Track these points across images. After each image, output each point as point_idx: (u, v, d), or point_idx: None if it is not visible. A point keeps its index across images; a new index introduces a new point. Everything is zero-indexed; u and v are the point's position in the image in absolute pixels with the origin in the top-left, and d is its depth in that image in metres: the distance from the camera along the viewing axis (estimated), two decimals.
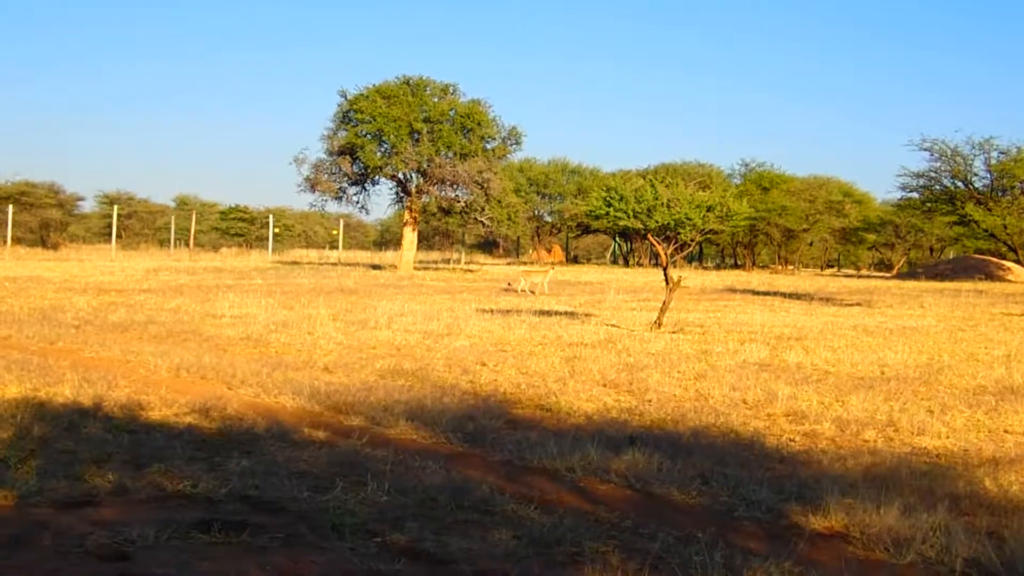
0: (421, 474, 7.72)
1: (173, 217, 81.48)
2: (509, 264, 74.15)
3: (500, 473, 7.95)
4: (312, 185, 53.99)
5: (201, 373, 12.71)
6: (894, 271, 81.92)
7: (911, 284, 51.25)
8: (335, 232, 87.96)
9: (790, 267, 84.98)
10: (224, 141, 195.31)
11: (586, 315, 24.11)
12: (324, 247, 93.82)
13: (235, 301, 24.75)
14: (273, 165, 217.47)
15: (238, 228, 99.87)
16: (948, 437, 9.88)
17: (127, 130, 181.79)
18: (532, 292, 34.80)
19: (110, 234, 71.82)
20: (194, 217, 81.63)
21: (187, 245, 76.63)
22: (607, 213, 21.45)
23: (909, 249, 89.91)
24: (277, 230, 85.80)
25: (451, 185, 53.73)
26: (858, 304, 32.77)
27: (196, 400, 10.38)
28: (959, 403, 11.71)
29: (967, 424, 10.55)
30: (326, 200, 55.00)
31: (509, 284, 37.46)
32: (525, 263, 76.16)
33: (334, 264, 60.33)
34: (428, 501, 7.00)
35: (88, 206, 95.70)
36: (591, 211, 23.03)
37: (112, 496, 6.95)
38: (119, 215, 77.19)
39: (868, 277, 69.13)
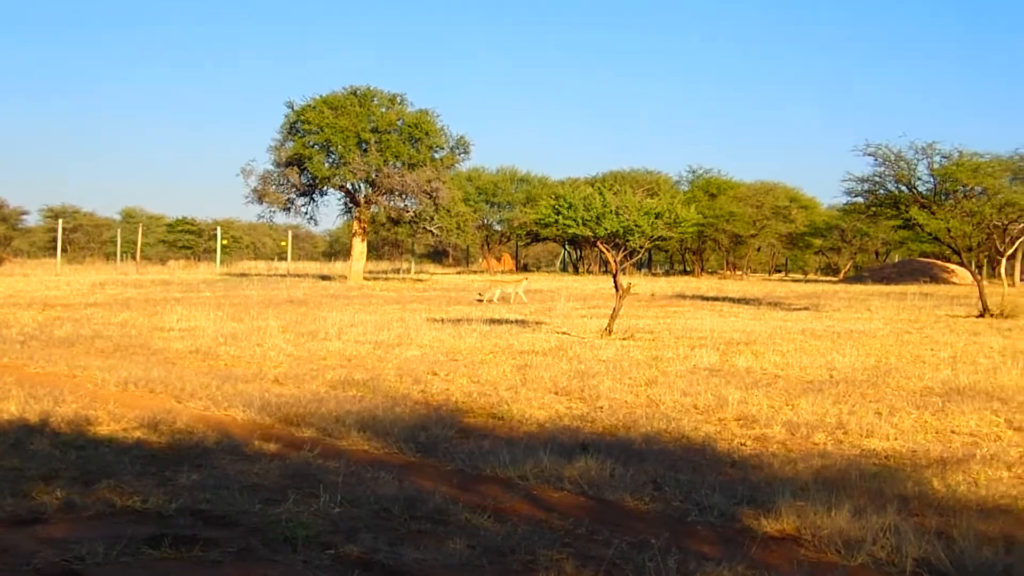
0: (374, 485, 7.67)
1: (119, 230, 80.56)
2: (459, 273, 74.06)
3: (453, 482, 7.92)
4: (260, 196, 53.83)
5: (150, 387, 12.59)
6: (841, 275, 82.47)
7: (858, 288, 51.86)
8: (284, 243, 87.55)
9: (739, 272, 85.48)
10: (170, 153, 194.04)
11: (537, 323, 24.12)
12: (273, 259, 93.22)
13: (183, 314, 24.56)
14: (220, 177, 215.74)
15: (185, 241, 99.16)
16: (896, 439, 9.91)
17: (71, 143, 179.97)
18: (506, 302, 34.68)
19: (55, 248, 71.02)
20: (140, 230, 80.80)
21: (134, 258, 75.76)
22: (556, 221, 21.38)
23: (855, 253, 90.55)
24: (225, 242, 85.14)
25: (400, 195, 53.67)
26: (806, 308, 33.11)
27: (145, 414, 10.26)
28: (907, 405, 11.79)
29: (915, 425, 10.60)
30: (274, 211, 54.94)
31: (480, 295, 37.11)
32: (476, 272, 76.31)
33: (283, 275, 59.99)
34: (381, 512, 6.95)
35: (32, 220, 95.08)
36: (540, 219, 22.99)
37: (61, 513, 6.85)
38: (64, 229, 76.46)
39: (815, 281, 69.77)
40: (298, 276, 58.88)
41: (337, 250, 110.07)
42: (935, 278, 61.51)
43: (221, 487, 7.52)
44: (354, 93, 54.23)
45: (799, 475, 8.30)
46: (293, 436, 9.65)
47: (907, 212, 65.78)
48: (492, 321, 24.12)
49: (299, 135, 53.36)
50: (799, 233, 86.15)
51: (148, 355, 16.45)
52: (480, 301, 35.48)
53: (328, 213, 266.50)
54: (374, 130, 52.98)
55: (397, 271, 73.58)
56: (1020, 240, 32.52)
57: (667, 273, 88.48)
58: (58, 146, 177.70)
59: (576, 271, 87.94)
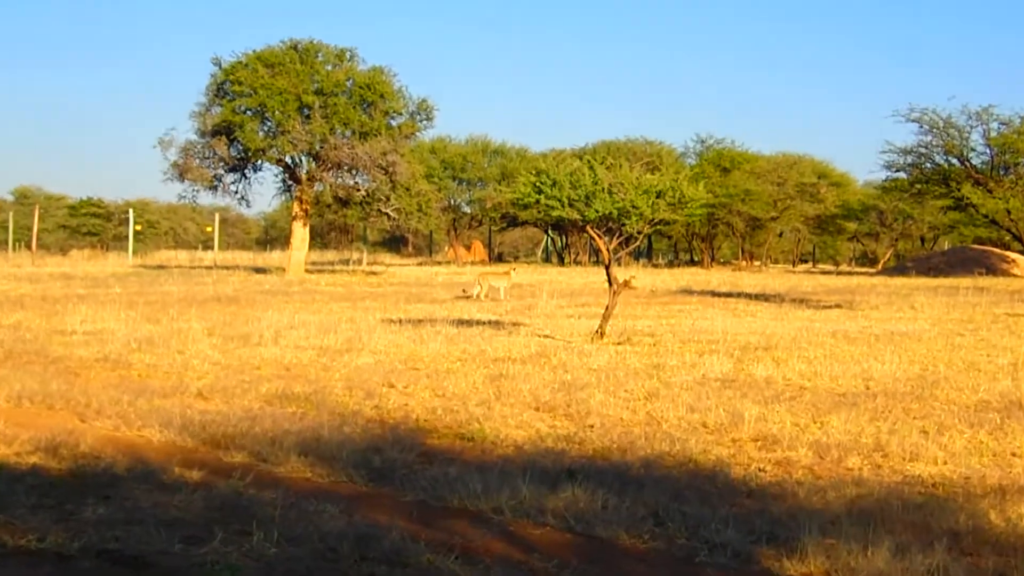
0: (318, 520, 7.68)
1: (11, 213, 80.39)
2: (421, 265, 74.24)
3: (413, 516, 7.94)
4: (181, 173, 53.46)
5: (48, 402, 12.56)
6: (879, 266, 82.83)
7: (899, 281, 51.95)
8: (209, 229, 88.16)
9: (756, 263, 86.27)
10: (73, 122, 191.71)
11: (514, 324, 24.29)
12: (197, 247, 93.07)
13: (89, 314, 24.46)
14: (133, 150, 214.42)
15: (91, 226, 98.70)
16: (946, 463, 9.92)
17: None
18: (494, 299, 34.75)
19: None
20: (37, 213, 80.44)
21: (28, 247, 75.48)
22: (537, 201, 21.24)
23: (896, 239, 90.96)
24: (139, 227, 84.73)
25: (349, 170, 53.51)
26: (837, 306, 33.17)
27: (42, 435, 10.22)
28: (958, 422, 11.76)
29: (968, 447, 10.59)
30: (198, 190, 54.71)
31: (464, 291, 37.07)
32: (441, 263, 76.34)
33: (209, 268, 59.71)
34: (327, 552, 6.95)
35: None
36: (518, 199, 22.90)
37: None
38: None
39: (849, 273, 69.92)
40: (227, 268, 58.49)
41: (274, 237, 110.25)
42: (992, 269, 61.62)
43: (133, 522, 7.45)
44: (294, 48, 54.00)
45: (829, 507, 8.31)
46: (221, 461, 9.66)
47: (959, 190, 65.91)
48: (460, 322, 24.21)
49: (228, 98, 53.09)
50: (829, 216, 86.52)
51: (46, 364, 16.37)
52: (468, 297, 35.74)
53: (263, 193, 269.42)
54: (318, 92, 52.76)
55: (346, 262, 73.13)
56: None
57: (671, 264, 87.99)
58: None
59: (561, 262, 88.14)
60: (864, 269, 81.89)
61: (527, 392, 13.66)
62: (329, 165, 53.29)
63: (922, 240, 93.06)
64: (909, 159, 69.05)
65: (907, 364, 16.97)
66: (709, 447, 10.50)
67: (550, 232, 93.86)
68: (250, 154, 53.43)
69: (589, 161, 21.87)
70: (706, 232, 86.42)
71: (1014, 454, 10.41)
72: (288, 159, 54.37)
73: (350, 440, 10.42)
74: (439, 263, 79.24)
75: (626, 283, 22.07)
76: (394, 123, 54.73)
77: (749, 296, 38.51)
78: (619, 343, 20.22)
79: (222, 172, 54.38)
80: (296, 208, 55.23)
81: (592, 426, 11.54)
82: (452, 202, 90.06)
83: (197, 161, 53.56)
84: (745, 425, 11.40)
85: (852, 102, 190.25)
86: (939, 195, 70.83)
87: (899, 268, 70.44)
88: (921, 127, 66.18)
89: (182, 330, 21.29)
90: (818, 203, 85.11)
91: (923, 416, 12.24)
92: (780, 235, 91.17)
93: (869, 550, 6.90)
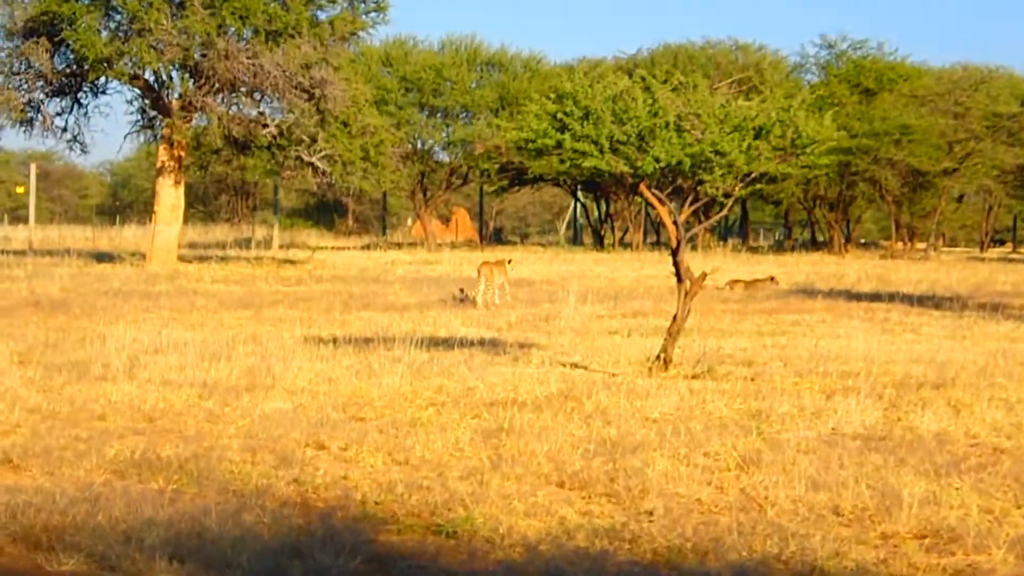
0: None
1: None
2: (367, 248, 58.76)
3: None
4: None
5: None
6: None
7: None
8: (21, 191, 68.64)
9: (920, 246, 64.95)
10: None
11: (523, 345, 20.01)
12: (0, 220, 68.58)
13: None
14: None
15: None
16: None
17: None
18: (495, 303, 28.17)
19: None
20: None
21: None
22: (559, 144, 16.84)
23: None
24: None
25: (249, 94, 39.73)
26: None
27: None
28: None
29: None
30: (1, 126, 40.65)
31: (463, 292, 29.63)
32: (399, 245, 61.96)
33: (20, 253, 44.44)
34: None
35: None
36: (528, 141, 17.66)
37: None
38: None
39: None
40: (51, 254, 44.08)
41: (127, 203, 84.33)
42: None
43: None
44: None
45: None
46: (40, 571, 8.01)
47: None
48: (434, 342, 19.69)
49: None
50: None
51: None
52: (463, 299, 28.69)
53: (109, 131, 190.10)
54: None
55: (246, 244, 55.07)
56: None
57: (777, 247, 69.20)
58: None
59: (600, 243, 66.95)
60: None
61: (544, 457, 10.93)
62: (217, 85, 38.86)
63: None
64: None
65: None
66: (844, 547, 8.50)
67: (580, 195, 71.14)
68: (87, 67, 38.59)
69: (643, 78, 17.26)
70: (837, 195, 62.73)
71: None
72: (149, 75, 39.74)
73: (252, 535, 8.49)
74: (397, 245, 62.06)
75: (703, 277, 17.33)
76: (323, 16, 40.94)
77: (908, 300, 31.51)
78: (694, 376, 16.34)
79: (41, 97, 40.45)
80: (163, 156, 40.12)
81: (651, 513, 9.34)
82: (419, 146, 63.06)
83: (1, 79, 39.52)
84: (904, 512, 9.17)
85: None
86: None
87: None
88: None
89: None
90: (1022, 147, 60.00)
91: None
92: (959, 200, 68.11)
93: None
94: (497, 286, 28.16)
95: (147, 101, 41.23)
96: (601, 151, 15.99)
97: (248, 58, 37.50)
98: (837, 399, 14.15)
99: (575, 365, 17.38)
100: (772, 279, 34.14)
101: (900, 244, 63.68)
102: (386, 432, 11.97)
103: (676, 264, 16.62)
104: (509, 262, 30.31)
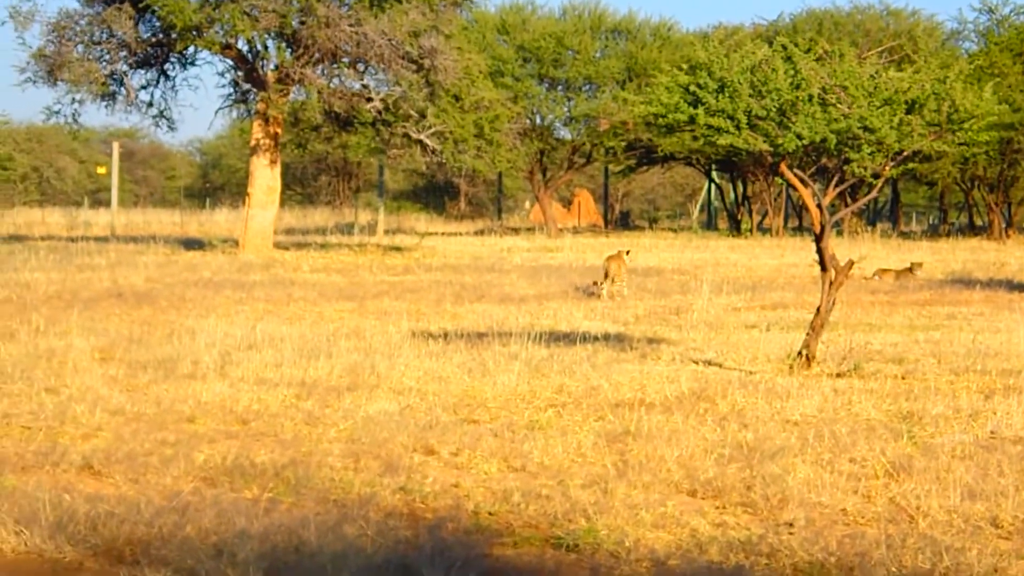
0: None
1: None
2: (481, 234, 56.17)
3: None
4: (51, 69, 36.42)
5: None
6: None
7: None
8: (103, 171, 64.12)
9: None
10: None
11: (651, 340, 19.31)
12: (80, 202, 62.28)
13: None
14: None
15: None
16: None
17: None
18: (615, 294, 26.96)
19: None
20: None
21: None
22: (692, 120, 16.19)
23: None
24: None
25: (352, 65, 37.58)
26: None
27: None
28: None
29: None
30: (81, 101, 37.33)
31: (596, 283, 28.27)
32: (517, 230, 59.00)
33: (103, 239, 45.09)
34: None
35: None
36: (656, 116, 17.19)
37: None
38: None
39: None
40: (135, 240, 44.20)
41: (218, 186, 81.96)
42: None
43: None
44: None
45: None
46: None
47: None
48: (554, 337, 19.07)
49: None
50: None
51: None
52: (592, 293, 27.19)
53: (199, 106, 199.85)
54: None
55: (348, 228, 53.73)
56: None
57: (932, 232, 62.95)
58: None
59: (737, 228, 62.65)
60: None
61: (674, 463, 10.41)
62: (316, 56, 36.65)
63: None
64: None
65: None
66: (1003, 562, 8.13)
67: (715, 175, 67.51)
68: (175, 35, 36.30)
69: (784, 47, 16.63)
70: (997, 175, 56.61)
71: None
72: (243, 45, 37.12)
73: (354, 549, 8.15)
74: (514, 231, 58.78)
75: (850, 266, 16.50)
76: None
77: None
78: (839, 374, 15.67)
79: (124, 68, 37.45)
80: (258, 133, 37.87)
81: (791, 524, 9.00)
82: (538, 122, 59.61)
83: (80, 49, 36.58)
84: None
85: None
86: None
87: None
88: None
89: (55, 351, 16.69)
90: None
91: None
92: None
93: None
94: (621, 278, 27.04)
95: (240, 73, 38.70)
96: (738, 127, 15.28)
97: (351, 26, 35.23)
98: (997, 399, 13.46)
99: (709, 362, 16.90)
100: (911, 268, 30.93)
101: None
102: (501, 436, 11.50)
103: (820, 251, 16.01)
104: (627, 252, 29.23)
